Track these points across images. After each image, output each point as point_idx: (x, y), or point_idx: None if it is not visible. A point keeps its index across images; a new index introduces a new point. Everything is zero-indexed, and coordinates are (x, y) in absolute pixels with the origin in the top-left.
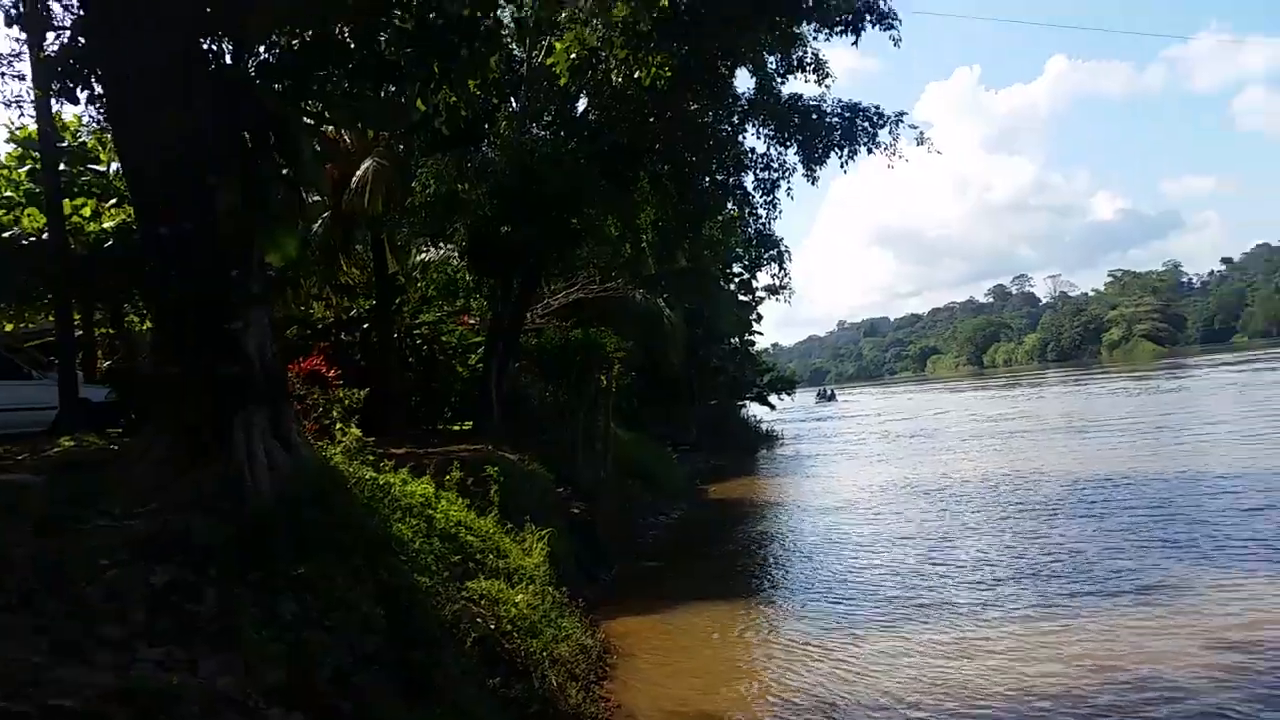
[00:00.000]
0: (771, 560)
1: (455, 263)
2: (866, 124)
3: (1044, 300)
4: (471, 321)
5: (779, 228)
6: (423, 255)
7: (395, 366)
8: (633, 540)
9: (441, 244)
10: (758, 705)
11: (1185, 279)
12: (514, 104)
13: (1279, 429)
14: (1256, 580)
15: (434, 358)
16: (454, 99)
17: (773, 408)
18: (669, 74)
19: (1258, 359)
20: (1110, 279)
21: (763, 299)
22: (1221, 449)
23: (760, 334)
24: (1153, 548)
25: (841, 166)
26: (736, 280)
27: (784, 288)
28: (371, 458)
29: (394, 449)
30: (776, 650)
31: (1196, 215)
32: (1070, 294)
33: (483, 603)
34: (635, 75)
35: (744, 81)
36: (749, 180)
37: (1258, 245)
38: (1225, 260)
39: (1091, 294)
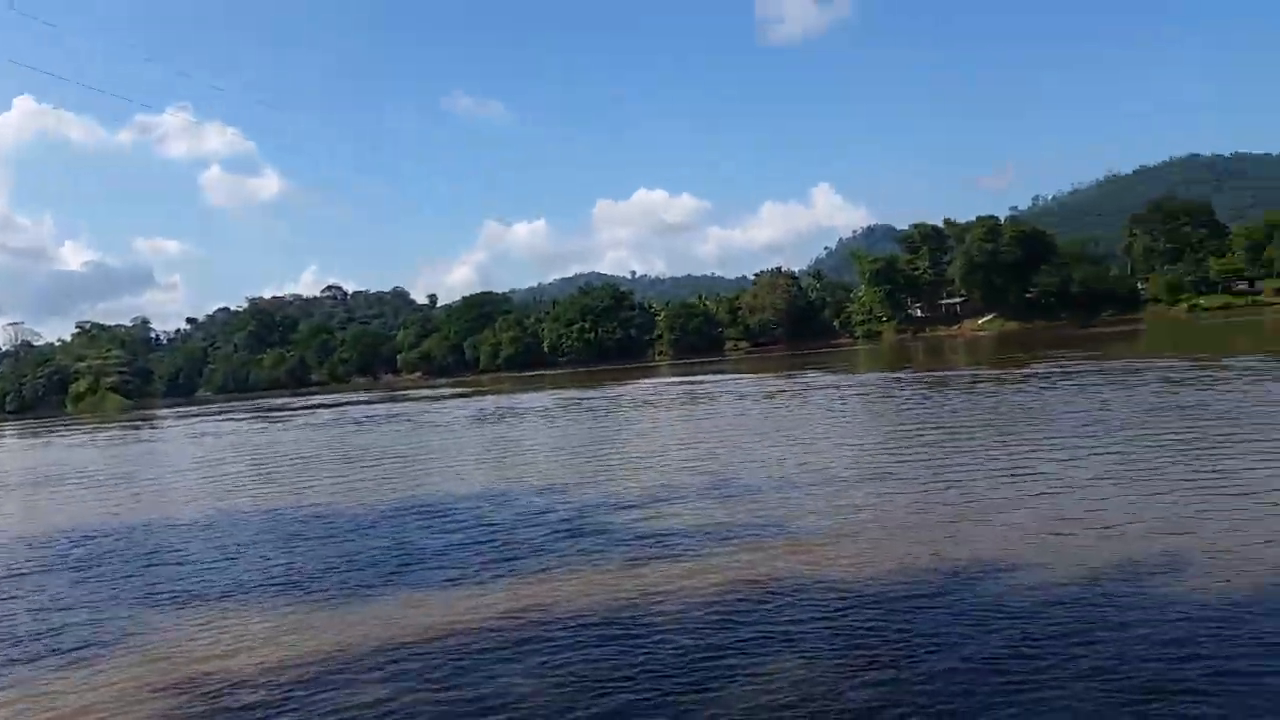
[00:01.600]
0: None
1: None
2: None
3: (5, 348)
4: None
5: None
6: None
7: None
8: None
9: None
10: None
11: (154, 335)
12: None
13: (239, 479)
14: (204, 620)
15: None
16: None
17: None
18: None
19: (218, 410)
20: (78, 330)
21: None
22: (183, 495)
23: None
24: (115, 596)
25: None
26: None
27: None
28: None
29: None
30: None
31: (167, 275)
32: (35, 343)
33: None
34: None
35: None
36: None
37: (219, 309)
38: (190, 320)
39: (58, 344)
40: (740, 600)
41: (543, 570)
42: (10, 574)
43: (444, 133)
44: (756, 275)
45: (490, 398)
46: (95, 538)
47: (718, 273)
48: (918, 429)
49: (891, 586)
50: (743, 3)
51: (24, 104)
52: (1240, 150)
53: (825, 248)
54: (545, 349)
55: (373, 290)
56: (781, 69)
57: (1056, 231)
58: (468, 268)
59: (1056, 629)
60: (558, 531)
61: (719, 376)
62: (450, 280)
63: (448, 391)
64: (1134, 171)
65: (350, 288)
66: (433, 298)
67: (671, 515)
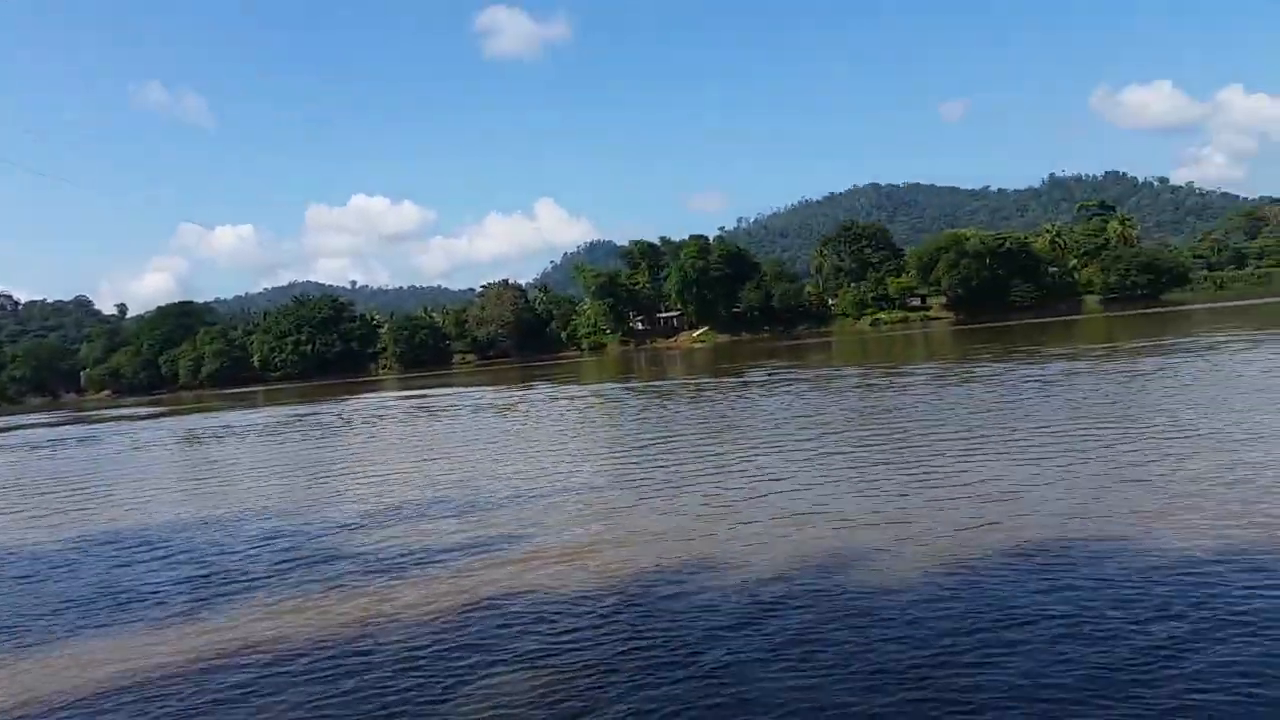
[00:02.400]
0: None
1: None
2: None
3: None
4: None
5: None
6: None
7: None
8: None
9: None
10: None
11: None
12: None
13: None
14: None
15: None
16: None
17: None
18: None
19: None
20: None
21: None
22: None
23: None
24: None
25: None
26: None
27: None
28: None
29: None
30: None
31: None
32: None
33: None
34: None
35: None
36: None
37: None
38: None
39: None
40: (475, 615)
41: (267, 601)
42: None
43: (132, 126)
44: (484, 287)
45: (194, 417)
46: None
47: (444, 284)
48: (653, 436)
49: (633, 592)
50: (461, 15)
51: None
52: (911, 180)
53: (551, 261)
54: (256, 363)
55: (50, 299)
56: (501, 80)
57: (757, 251)
58: (163, 274)
59: (796, 617)
60: (283, 559)
61: (449, 390)
62: (141, 288)
63: (144, 411)
64: (823, 198)
65: (22, 296)
66: (122, 307)
67: (410, 534)
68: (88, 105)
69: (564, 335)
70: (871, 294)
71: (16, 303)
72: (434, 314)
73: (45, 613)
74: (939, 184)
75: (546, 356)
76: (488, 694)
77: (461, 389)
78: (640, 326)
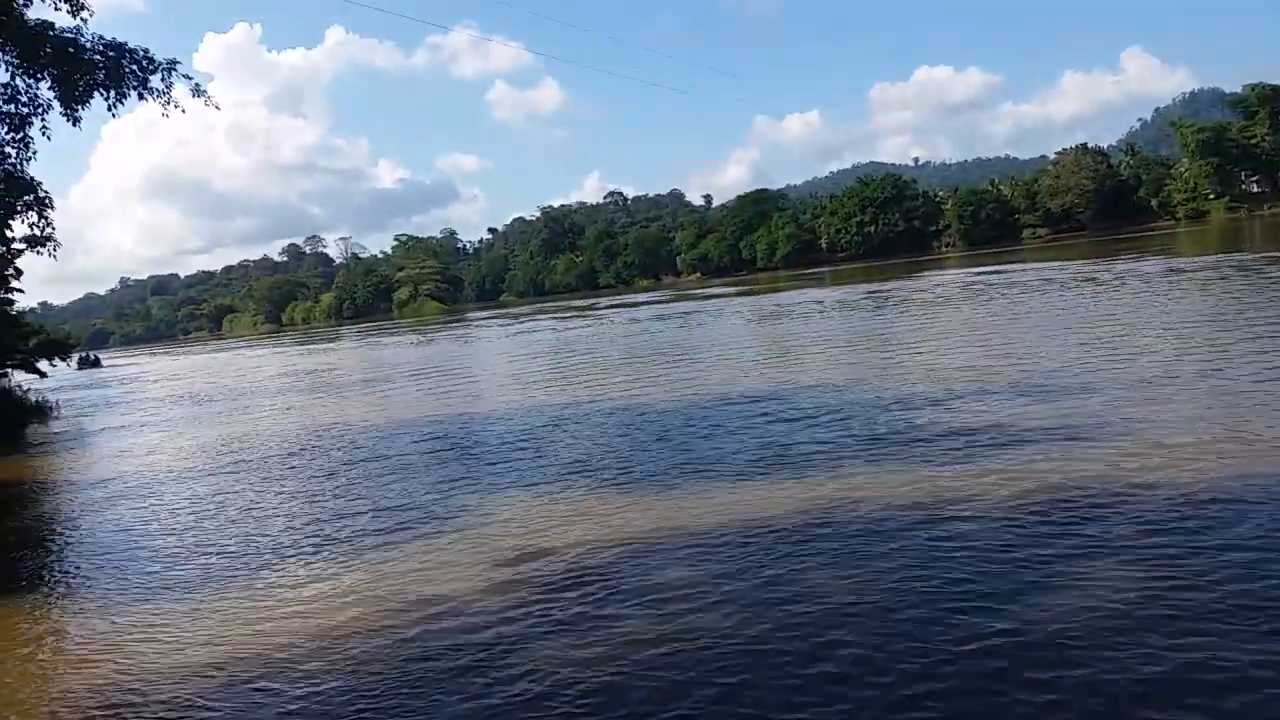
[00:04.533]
0: (59, 544)
1: None
2: (135, 67)
3: (337, 260)
4: None
5: (37, 170)
6: None
7: None
8: None
9: None
10: (58, 695)
11: (460, 244)
12: None
13: (547, 375)
14: (522, 501)
15: None
16: None
17: (43, 375)
18: None
19: (520, 314)
20: (397, 242)
21: (21, 251)
22: (501, 391)
23: (21, 291)
24: (439, 480)
25: (110, 110)
26: None
27: (47, 239)
28: None
29: None
30: (72, 638)
31: (467, 189)
32: (361, 255)
33: None
34: None
35: None
36: None
37: (516, 218)
38: (491, 230)
39: (380, 255)
40: (1048, 507)
41: (834, 469)
42: (354, 461)
43: (709, 29)
44: (1058, 154)
45: (771, 295)
46: (435, 426)
47: (1011, 154)
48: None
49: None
50: None
51: (334, 34)
52: None
53: (1139, 119)
54: (823, 245)
55: (651, 194)
56: None
57: None
58: (741, 166)
59: None
60: (850, 431)
61: (1021, 265)
62: (724, 180)
63: (728, 290)
64: None
65: (630, 192)
66: (708, 198)
67: (977, 416)
68: (679, 10)
69: (1154, 203)
70: None
71: (626, 199)
72: (1001, 186)
73: (641, 459)
74: None
75: (1130, 227)
76: (1068, 589)
77: (1035, 264)
78: (1255, 190)
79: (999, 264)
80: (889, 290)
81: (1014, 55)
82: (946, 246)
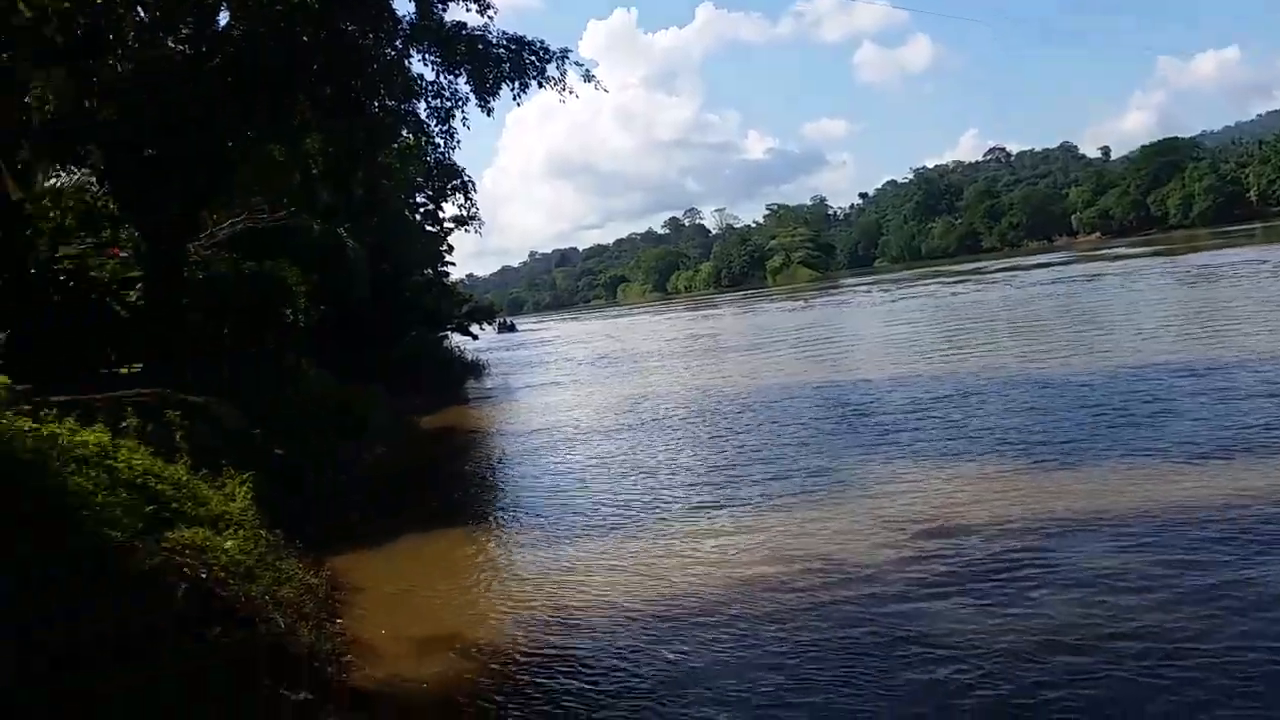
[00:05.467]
0: (493, 486)
1: (95, 189)
2: (534, 58)
3: (714, 231)
4: (123, 254)
5: (460, 158)
6: (52, 180)
7: (36, 305)
8: (340, 479)
9: (74, 168)
10: (494, 621)
11: (831, 211)
12: (141, 13)
13: (939, 342)
14: (926, 472)
15: (83, 294)
16: (66, 3)
17: (475, 337)
18: None
19: (900, 280)
20: (768, 211)
21: (451, 230)
22: (890, 357)
23: (453, 265)
24: (836, 446)
25: (514, 98)
26: (422, 211)
27: (472, 218)
28: (28, 407)
29: (53, 396)
30: (505, 571)
31: (834, 155)
32: (735, 225)
33: (188, 553)
34: None
35: (404, 5)
36: (422, 108)
37: (887, 181)
38: (862, 195)
39: (753, 225)
40: None
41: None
42: (753, 424)
43: None
44: None
45: (1189, 256)
46: (829, 390)
47: None
48: None
49: None
50: None
51: (704, 11)
52: None
53: None
54: (1252, 198)
55: (1037, 148)
56: None
57: None
58: (1142, 112)
59: None
60: None
61: None
62: (1123, 128)
63: (1139, 250)
64: None
65: (1013, 148)
66: (1105, 150)
67: None
68: None
69: None
70: None
71: (1009, 155)
72: None
73: (1052, 434)
74: None
75: None
76: None
77: None
78: None
79: None
80: None
81: None
82: None
